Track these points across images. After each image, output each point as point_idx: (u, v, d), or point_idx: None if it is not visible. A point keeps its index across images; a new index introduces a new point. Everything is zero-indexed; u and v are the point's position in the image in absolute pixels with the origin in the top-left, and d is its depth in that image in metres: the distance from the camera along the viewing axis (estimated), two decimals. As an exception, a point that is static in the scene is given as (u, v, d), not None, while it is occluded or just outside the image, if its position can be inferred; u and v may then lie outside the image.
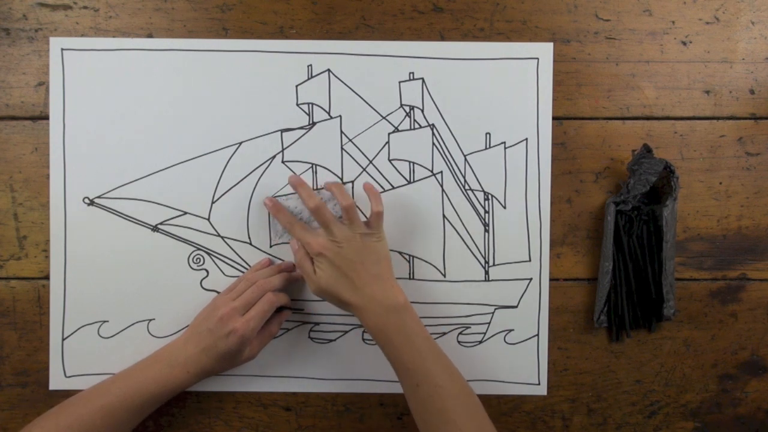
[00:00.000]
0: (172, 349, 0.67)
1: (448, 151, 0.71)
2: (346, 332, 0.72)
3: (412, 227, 0.71)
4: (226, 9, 0.70)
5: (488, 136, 0.71)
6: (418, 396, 0.62)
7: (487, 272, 0.72)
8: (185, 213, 0.71)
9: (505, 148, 0.71)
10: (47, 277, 0.71)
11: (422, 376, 0.62)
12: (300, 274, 0.70)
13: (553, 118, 0.71)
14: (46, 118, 0.70)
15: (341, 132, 0.71)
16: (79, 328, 0.71)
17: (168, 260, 0.71)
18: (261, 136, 0.70)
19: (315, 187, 0.71)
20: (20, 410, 0.72)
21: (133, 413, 0.64)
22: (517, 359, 0.72)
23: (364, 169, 0.71)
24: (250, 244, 0.71)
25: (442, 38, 0.70)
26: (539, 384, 0.72)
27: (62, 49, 0.69)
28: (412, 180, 0.71)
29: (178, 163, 0.70)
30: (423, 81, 0.70)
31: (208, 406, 0.72)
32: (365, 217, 0.70)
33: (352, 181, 0.71)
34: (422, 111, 0.71)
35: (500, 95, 0.71)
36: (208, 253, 0.71)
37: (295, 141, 0.70)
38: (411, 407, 0.63)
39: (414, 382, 0.62)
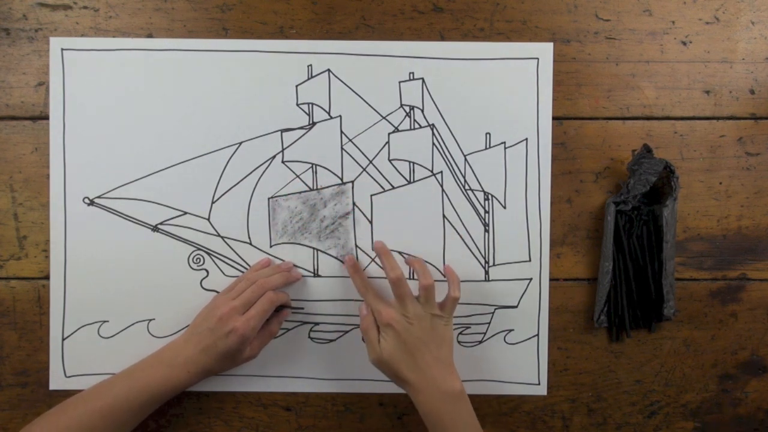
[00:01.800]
0: (172, 349, 0.66)
1: (448, 151, 0.71)
2: (346, 332, 0.72)
3: (412, 227, 0.71)
4: (226, 9, 0.70)
5: (488, 136, 0.71)
6: None
7: (487, 272, 0.72)
8: (185, 213, 0.71)
9: (505, 148, 0.71)
10: (47, 277, 0.71)
11: None
12: (299, 275, 0.70)
13: (553, 118, 0.71)
14: (46, 118, 0.70)
15: (341, 132, 0.71)
16: (79, 328, 0.71)
17: (168, 260, 0.70)
18: (261, 136, 0.70)
19: (316, 187, 0.71)
20: (20, 410, 0.72)
21: (133, 413, 0.64)
22: (517, 359, 0.72)
23: (364, 169, 0.71)
24: (250, 244, 0.71)
25: (442, 38, 0.70)
26: (539, 384, 0.72)
27: (62, 49, 0.69)
28: (412, 180, 0.71)
29: (178, 163, 0.70)
30: (423, 81, 0.70)
31: (208, 406, 0.72)
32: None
33: (352, 181, 0.71)
34: (422, 111, 0.71)
35: (500, 95, 0.71)
36: (208, 253, 0.71)
37: (295, 141, 0.70)
38: None
39: None
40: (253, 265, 0.71)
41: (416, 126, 0.71)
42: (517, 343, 0.72)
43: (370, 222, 0.71)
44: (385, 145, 0.71)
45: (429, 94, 0.70)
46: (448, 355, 0.65)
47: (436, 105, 0.71)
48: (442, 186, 0.71)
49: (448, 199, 0.71)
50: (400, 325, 0.63)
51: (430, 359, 0.63)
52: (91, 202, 0.70)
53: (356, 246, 0.71)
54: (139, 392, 0.64)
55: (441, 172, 0.71)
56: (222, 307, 0.65)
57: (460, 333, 0.72)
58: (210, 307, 0.67)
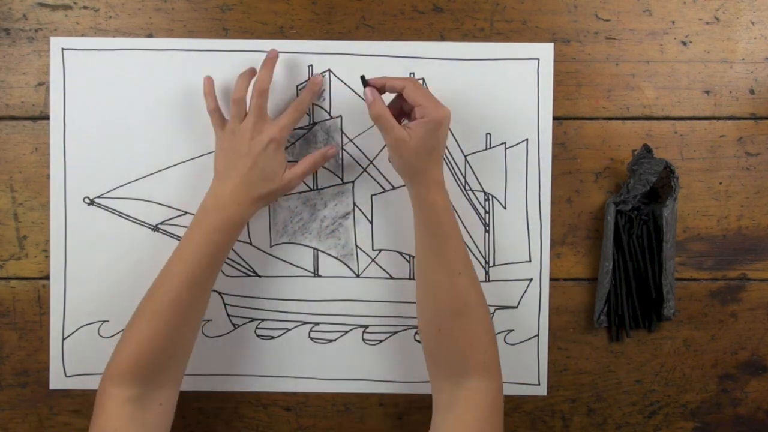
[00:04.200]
0: (212, 193, 0.65)
1: (449, 152, 0.71)
2: (346, 332, 0.72)
3: (412, 227, 0.71)
4: (226, 9, 0.70)
5: (488, 136, 0.71)
6: (457, 285, 0.62)
7: (487, 272, 0.72)
8: (185, 213, 0.71)
9: (506, 148, 0.71)
10: (47, 277, 0.71)
11: (464, 266, 0.63)
12: (275, 51, 0.67)
13: (554, 118, 0.71)
14: (46, 118, 0.70)
15: (341, 132, 0.71)
16: (79, 328, 0.71)
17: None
18: (261, 136, 0.70)
19: (316, 187, 0.71)
20: (20, 410, 0.72)
21: (210, 271, 0.63)
22: (517, 359, 0.72)
23: (365, 170, 0.71)
24: (251, 244, 0.71)
25: (442, 38, 0.70)
26: (539, 384, 0.72)
27: (63, 49, 0.69)
28: (412, 180, 0.71)
29: (178, 163, 0.70)
30: (423, 81, 0.70)
31: (208, 406, 0.72)
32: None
33: (353, 181, 0.71)
34: (422, 111, 0.70)
35: (501, 96, 0.71)
36: (208, 253, 0.71)
37: (295, 141, 0.70)
38: (439, 299, 0.63)
39: (457, 270, 0.62)
40: (236, 85, 0.66)
41: (416, 126, 0.71)
42: (517, 343, 0.72)
43: (371, 222, 0.71)
44: (385, 146, 0.71)
45: (429, 94, 0.70)
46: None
47: (436, 105, 0.70)
48: (442, 186, 0.71)
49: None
50: (448, 120, 0.63)
51: (441, 156, 0.64)
52: (91, 202, 0.70)
53: (356, 246, 0.71)
54: (202, 251, 0.62)
55: (441, 172, 0.71)
56: (243, 129, 0.64)
57: (460, 333, 0.72)
58: (228, 139, 0.65)
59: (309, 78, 0.70)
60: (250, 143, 0.63)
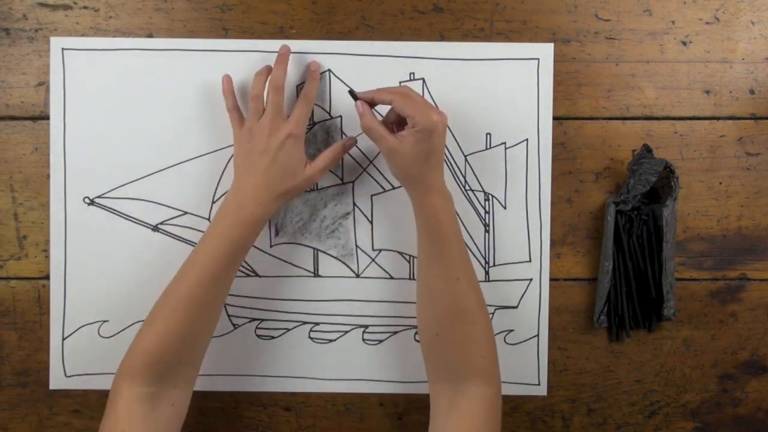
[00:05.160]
0: (232, 195, 0.64)
1: (449, 152, 0.71)
2: (346, 332, 0.72)
3: (412, 227, 0.71)
4: (226, 9, 0.70)
5: (489, 136, 0.71)
6: (456, 291, 0.62)
7: (487, 272, 0.72)
8: (185, 213, 0.71)
9: (506, 148, 0.71)
10: (47, 277, 0.71)
11: (464, 271, 0.63)
12: (287, 48, 0.68)
13: (554, 118, 0.71)
14: (46, 118, 0.70)
15: (341, 132, 0.71)
16: (79, 328, 0.71)
17: (168, 260, 0.70)
18: (261, 136, 0.70)
19: (316, 187, 0.71)
20: (20, 410, 0.72)
21: (228, 269, 0.63)
22: (517, 359, 0.72)
23: (365, 170, 0.71)
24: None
25: (442, 38, 0.70)
26: (539, 384, 0.72)
27: (63, 49, 0.69)
28: (412, 180, 0.71)
29: (178, 163, 0.70)
30: (423, 81, 0.70)
31: (208, 406, 0.72)
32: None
33: (353, 182, 0.71)
34: (422, 111, 0.70)
35: (501, 96, 0.71)
36: (208, 253, 0.71)
37: (295, 141, 0.70)
38: (437, 304, 0.63)
39: (455, 275, 0.62)
40: (253, 82, 0.66)
41: (416, 126, 0.71)
42: (517, 343, 0.72)
43: (371, 222, 0.71)
44: (385, 146, 0.71)
45: (429, 94, 0.70)
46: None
47: (436, 105, 0.70)
48: (442, 186, 0.71)
49: (449, 199, 0.71)
50: (442, 126, 0.62)
51: (440, 161, 0.64)
52: (91, 202, 0.70)
53: (356, 246, 0.71)
54: (224, 249, 0.62)
55: (441, 172, 0.71)
56: (261, 126, 0.64)
57: (460, 333, 0.72)
58: (245, 137, 0.65)
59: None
60: (269, 140, 0.63)
